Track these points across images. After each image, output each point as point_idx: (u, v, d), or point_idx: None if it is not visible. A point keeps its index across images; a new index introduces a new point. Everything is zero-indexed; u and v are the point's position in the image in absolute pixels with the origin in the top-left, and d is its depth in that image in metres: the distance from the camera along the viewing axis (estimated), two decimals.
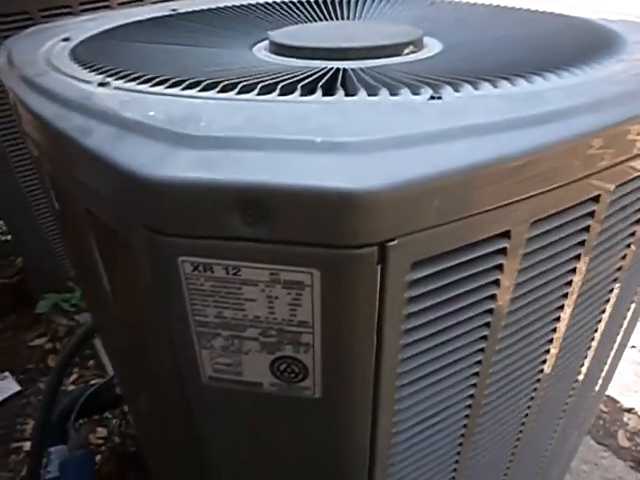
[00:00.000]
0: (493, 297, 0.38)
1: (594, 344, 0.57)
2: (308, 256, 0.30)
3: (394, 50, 0.55)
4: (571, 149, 0.33)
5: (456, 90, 0.38)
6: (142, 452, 1.22)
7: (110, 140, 0.33)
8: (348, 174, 0.28)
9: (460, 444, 0.48)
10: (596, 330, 0.55)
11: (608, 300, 0.53)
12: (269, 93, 0.38)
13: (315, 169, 0.28)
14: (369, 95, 0.38)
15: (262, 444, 0.41)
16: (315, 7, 0.76)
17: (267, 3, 0.80)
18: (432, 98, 0.36)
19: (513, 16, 0.71)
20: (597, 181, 0.37)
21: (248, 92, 0.39)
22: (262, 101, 0.37)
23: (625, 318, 0.62)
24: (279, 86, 0.39)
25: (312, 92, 0.39)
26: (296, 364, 0.35)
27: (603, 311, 0.53)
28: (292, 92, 0.38)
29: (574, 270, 0.43)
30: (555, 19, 0.67)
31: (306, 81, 0.41)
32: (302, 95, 0.38)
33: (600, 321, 0.55)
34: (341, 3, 0.78)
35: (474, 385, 0.43)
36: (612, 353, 0.68)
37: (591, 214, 0.40)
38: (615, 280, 0.51)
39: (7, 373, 1.54)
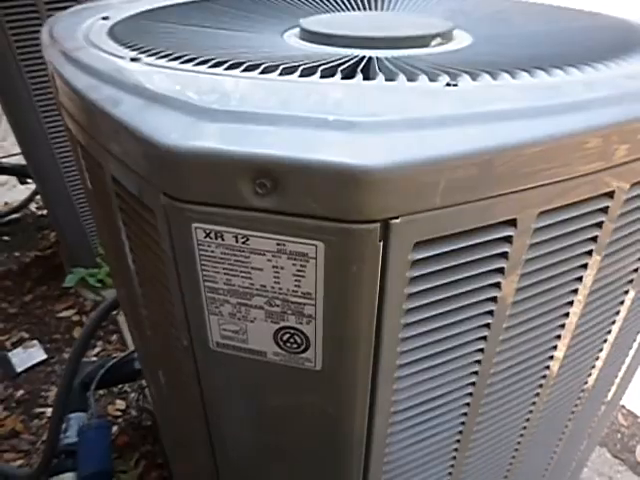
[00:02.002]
0: (497, 285, 0.38)
1: (606, 348, 0.56)
2: (313, 228, 0.31)
3: (422, 41, 0.55)
4: (583, 142, 0.33)
5: (474, 79, 0.39)
6: (157, 426, 1.26)
7: (137, 111, 0.35)
8: (356, 151, 0.29)
9: (460, 432, 0.49)
10: (609, 332, 0.55)
11: (622, 302, 0.52)
12: (290, 74, 0.40)
13: (325, 145, 0.29)
14: (387, 80, 0.39)
15: (265, 412, 0.43)
16: None
17: None
18: (448, 85, 0.37)
19: (549, 12, 0.70)
20: (610, 177, 0.37)
21: (270, 72, 0.40)
22: (282, 81, 0.39)
23: None
24: (300, 68, 0.40)
25: (332, 75, 0.40)
26: (298, 335, 0.36)
27: (617, 313, 0.53)
28: (312, 74, 0.40)
29: (585, 266, 0.43)
30: (590, 17, 0.66)
31: (328, 65, 0.42)
32: (322, 77, 0.39)
33: (613, 323, 0.54)
34: None
35: (475, 373, 0.43)
36: (627, 360, 0.67)
37: (604, 210, 0.40)
38: (630, 282, 0.50)
39: (35, 342, 1.60)
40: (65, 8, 1.32)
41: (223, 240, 0.33)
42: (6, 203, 2.38)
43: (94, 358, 1.54)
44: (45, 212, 2.12)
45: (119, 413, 1.38)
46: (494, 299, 0.39)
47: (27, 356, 1.55)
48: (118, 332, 1.63)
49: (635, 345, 0.64)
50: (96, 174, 0.46)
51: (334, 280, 0.33)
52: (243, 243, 0.33)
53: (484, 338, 0.41)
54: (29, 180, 1.99)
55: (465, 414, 0.47)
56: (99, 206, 0.54)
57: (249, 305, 0.36)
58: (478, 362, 0.43)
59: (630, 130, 0.35)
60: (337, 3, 0.75)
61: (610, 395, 0.71)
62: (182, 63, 0.43)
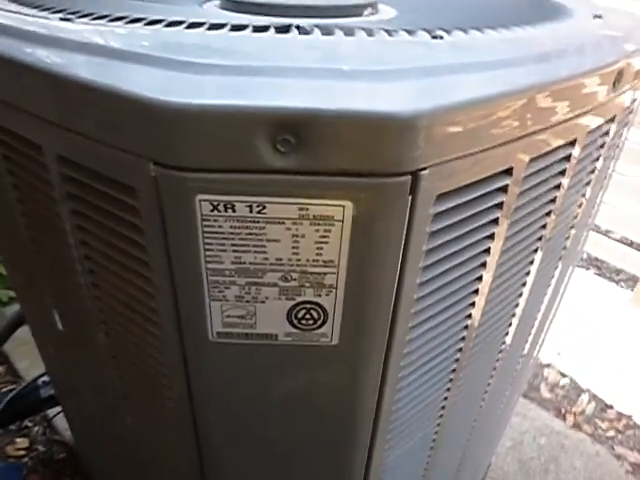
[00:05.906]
0: (491, 236, 0.39)
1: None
2: (342, 187, 0.28)
3: (356, 10, 0.55)
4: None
5: (449, 34, 0.39)
6: (81, 455, 1.12)
7: (107, 70, 0.29)
8: (386, 99, 0.27)
9: (450, 380, 0.49)
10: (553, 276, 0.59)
11: (565, 247, 0.57)
12: (263, 31, 0.36)
13: (351, 95, 0.27)
14: (367, 35, 0.37)
15: (269, 400, 0.39)
16: None
17: None
18: (434, 37, 0.36)
19: None
20: (579, 122, 0.40)
21: (242, 30, 0.36)
22: (259, 38, 0.35)
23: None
24: (272, 27, 0.37)
25: (308, 33, 0.37)
26: (315, 309, 0.33)
27: (560, 258, 0.58)
28: (287, 31, 0.37)
29: (549, 213, 0.45)
30: None
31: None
32: (300, 34, 0.37)
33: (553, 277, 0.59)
34: None
35: (468, 317, 0.44)
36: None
37: (567, 158, 0.42)
38: (572, 227, 0.55)
39: None
40: None
41: (234, 211, 0.29)
42: None
43: None
44: None
45: (23, 452, 1.20)
46: (488, 250, 0.40)
47: None
48: (5, 362, 1.42)
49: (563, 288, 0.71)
50: (25, 158, 0.39)
51: (360, 242, 0.30)
52: (259, 212, 0.29)
53: (476, 292, 0.42)
54: None
55: (453, 370, 0.48)
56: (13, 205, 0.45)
57: (260, 284, 0.32)
58: (469, 316, 0.43)
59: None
60: None
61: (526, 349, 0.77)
62: (128, 23, 0.37)
